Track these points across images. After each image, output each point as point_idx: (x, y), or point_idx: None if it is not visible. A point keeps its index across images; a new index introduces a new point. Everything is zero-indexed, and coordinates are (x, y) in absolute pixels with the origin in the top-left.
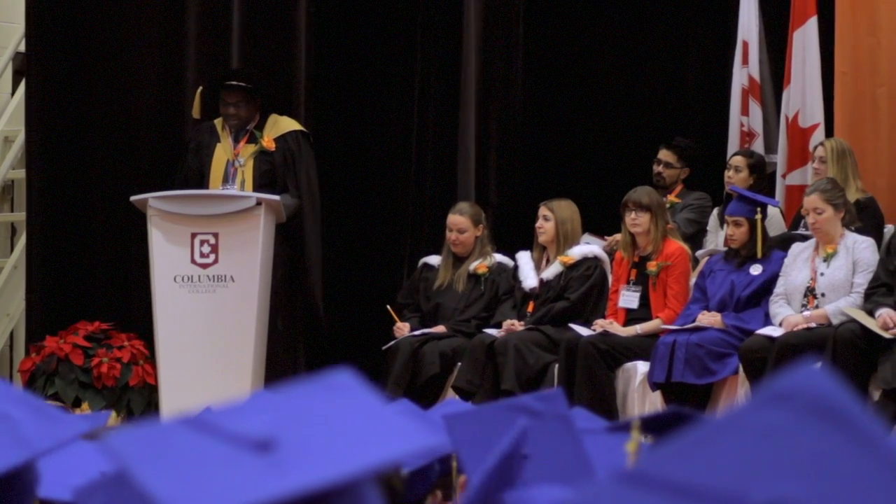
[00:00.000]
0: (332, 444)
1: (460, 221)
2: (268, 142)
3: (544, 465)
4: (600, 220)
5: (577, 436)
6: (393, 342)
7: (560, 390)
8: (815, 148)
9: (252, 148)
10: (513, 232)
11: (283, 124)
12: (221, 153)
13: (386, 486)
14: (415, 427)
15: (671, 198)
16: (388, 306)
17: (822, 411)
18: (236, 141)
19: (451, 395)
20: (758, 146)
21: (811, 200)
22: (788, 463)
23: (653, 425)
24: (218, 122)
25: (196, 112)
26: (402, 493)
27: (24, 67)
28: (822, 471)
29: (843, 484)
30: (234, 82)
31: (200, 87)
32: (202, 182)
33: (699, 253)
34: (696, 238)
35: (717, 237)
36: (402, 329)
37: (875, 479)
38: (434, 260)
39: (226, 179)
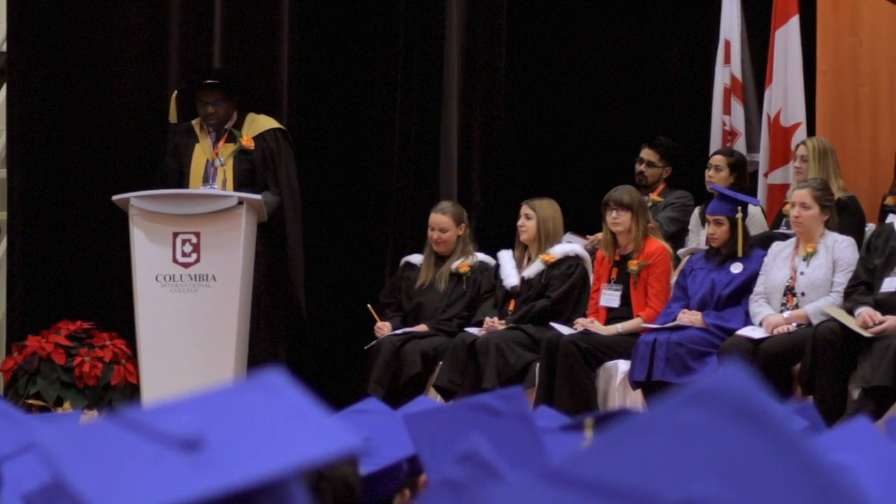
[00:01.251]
0: (259, 443)
1: (442, 220)
2: (247, 140)
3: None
4: (583, 220)
5: (537, 434)
6: (375, 342)
7: (521, 389)
8: (797, 147)
9: (231, 147)
10: (496, 231)
11: (262, 122)
12: (200, 153)
13: (342, 485)
14: (340, 427)
15: (653, 196)
16: (369, 305)
17: (739, 412)
18: (216, 141)
19: (432, 394)
20: (740, 145)
21: (801, 194)
22: (704, 463)
23: (606, 423)
24: (196, 122)
25: (172, 116)
26: (359, 491)
27: (5, 67)
28: (737, 471)
29: (758, 484)
30: (211, 81)
31: (175, 92)
32: (181, 183)
33: (681, 251)
34: (678, 237)
35: (698, 236)
36: (383, 328)
37: (789, 480)
38: (416, 259)
39: (206, 179)
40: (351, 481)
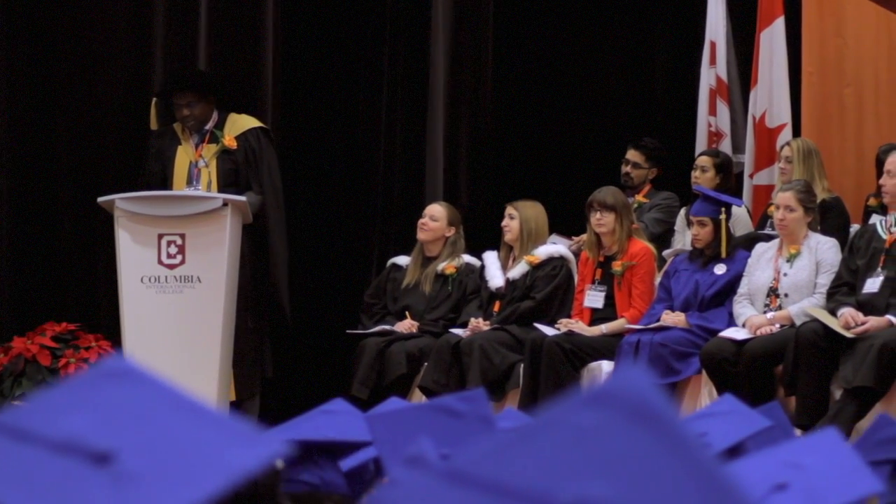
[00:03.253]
0: (174, 455)
1: (437, 210)
2: (229, 140)
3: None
4: (570, 221)
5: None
6: (359, 329)
7: (482, 390)
8: (782, 148)
9: (214, 148)
10: (483, 233)
11: (243, 122)
12: (183, 156)
13: (267, 486)
14: (245, 429)
15: (639, 198)
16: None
17: (634, 414)
18: (198, 142)
19: (417, 395)
20: (725, 146)
21: (785, 197)
22: (600, 463)
23: None
24: (178, 126)
25: (153, 123)
26: (278, 488)
27: None
28: (631, 472)
29: (650, 484)
30: (182, 82)
31: (154, 99)
32: (165, 186)
33: (666, 253)
34: (663, 238)
35: (684, 237)
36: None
37: (680, 480)
38: (402, 260)
39: (189, 181)
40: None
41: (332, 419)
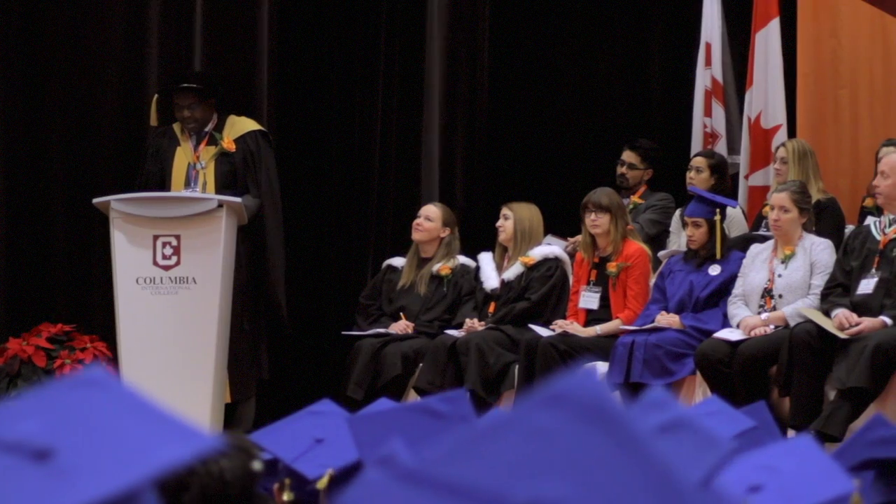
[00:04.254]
0: (111, 450)
1: (431, 210)
2: (228, 143)
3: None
4: (567, 222)
5: None
6: (355, 331)
7: (464, 391)
8: (777, 149)
9: (213, 150)
10: (479, 234)
11: (242, 125)
12: (182, 157)
13: (215, 480)
14: (189, 428)
15: (634, 199)
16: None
17: (589, 414)
18: (197, 144)
19: (412, 395)
20: (721, 147)
21: (780, 198)
22: (555, 463)
23: None
24: (177, 126)
25: (153, 120)
26: (242, 486)
27: None
28: (586, 472)
29: (604, 484)
30: (185, 84)
31: (156, 96)
32: (163, 186)
33: (661, 253)
34: (659, 239)
35: (679, 238)
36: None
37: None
38: (398, 262)
39: (188, 183)
40: (226, 476)
41: (321, 421)
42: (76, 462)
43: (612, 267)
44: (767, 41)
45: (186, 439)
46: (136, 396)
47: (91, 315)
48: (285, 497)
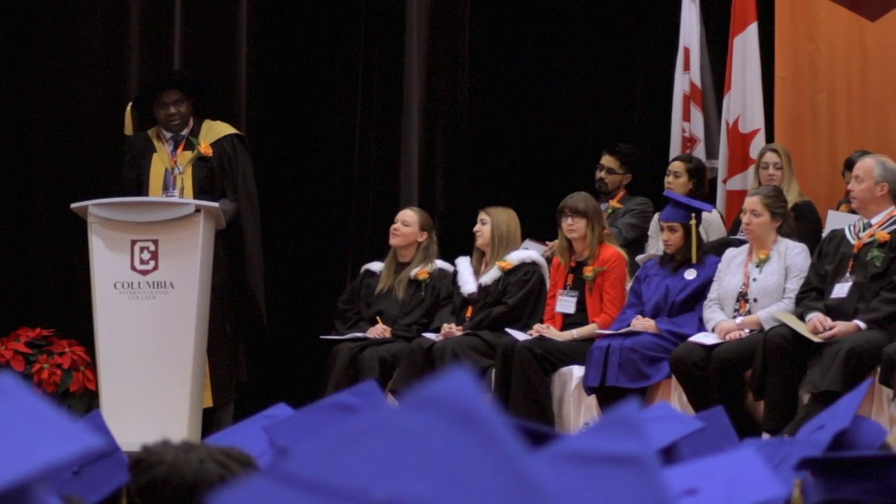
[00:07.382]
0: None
1: (408, 215)
2: (205, 147)
3: None
4: (546, 227)
5: None
6: (333, 335)
7: (374, 384)
8: (764, 154)
9: (189, 155)
10: (458, 239)
11: (218, 129)
12: (159, 162)
13: (176, 477)
14: (75, 428)
15: (613, 203)
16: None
17: (457, 416)
18: (174, 149)
19: (390, 399)
20: (699, 152)
21: (752, 202)
22: (419, 463)
23: None
24: (153, 132)
25: (128, 129)
26: (208, 484)
27: None
28: (449, 472)
29: (466, 485)
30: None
31: (130, 104)
32: (140, 192)
33: (639, 258)
34: (638, 243)
35: (658, 242)
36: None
37: (496, 482)
38: (376, 266)
39: (165, 188)
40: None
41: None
42: None
43: (588, 271)
44: (745, 46)
45: (70, 440)
46: (33, 401)
47: (70, 319)
48: None
